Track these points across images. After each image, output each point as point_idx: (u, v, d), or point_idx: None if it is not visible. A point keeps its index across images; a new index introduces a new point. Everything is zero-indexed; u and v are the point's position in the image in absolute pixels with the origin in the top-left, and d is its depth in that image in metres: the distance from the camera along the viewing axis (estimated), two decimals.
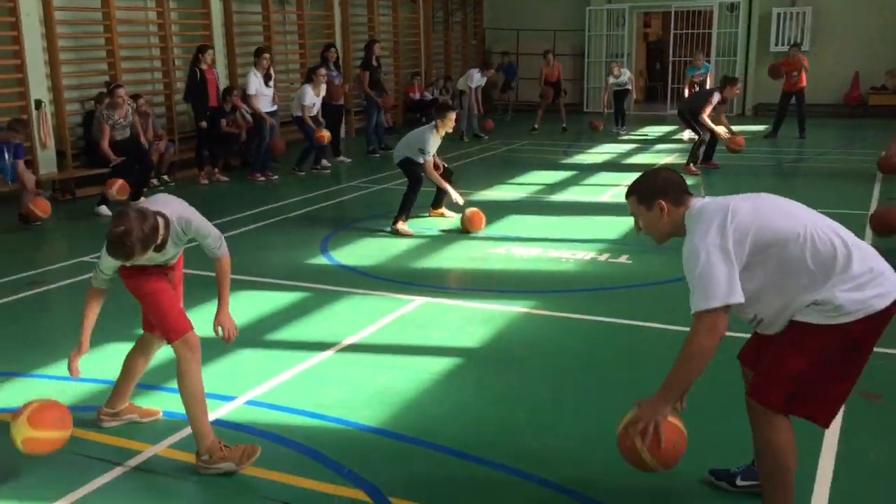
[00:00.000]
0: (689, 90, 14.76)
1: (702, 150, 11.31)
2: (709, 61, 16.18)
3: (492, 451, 3.79)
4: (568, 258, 7.10)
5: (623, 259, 7.03)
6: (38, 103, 9.89)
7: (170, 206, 3.48)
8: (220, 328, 3.84)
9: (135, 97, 10.43)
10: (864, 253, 2.82)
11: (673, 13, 18.88)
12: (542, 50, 18.07)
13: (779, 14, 17.71)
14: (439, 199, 8.67)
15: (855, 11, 17.24)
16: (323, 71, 11.51)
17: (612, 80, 16.02)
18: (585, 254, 7.20)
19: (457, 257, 7.24)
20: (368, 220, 8.64)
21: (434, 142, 8.01)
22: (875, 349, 2.87)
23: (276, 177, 11.39)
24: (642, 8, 19.62)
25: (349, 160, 12.73)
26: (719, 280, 2.71)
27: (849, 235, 2.86)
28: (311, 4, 15.02)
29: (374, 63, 13.19)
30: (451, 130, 8.19)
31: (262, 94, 10.98)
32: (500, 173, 11.63)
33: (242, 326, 5.42)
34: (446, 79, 18.06)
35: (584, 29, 19.45)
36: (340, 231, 8.25)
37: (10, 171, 8.56)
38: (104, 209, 9.07)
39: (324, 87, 11.59)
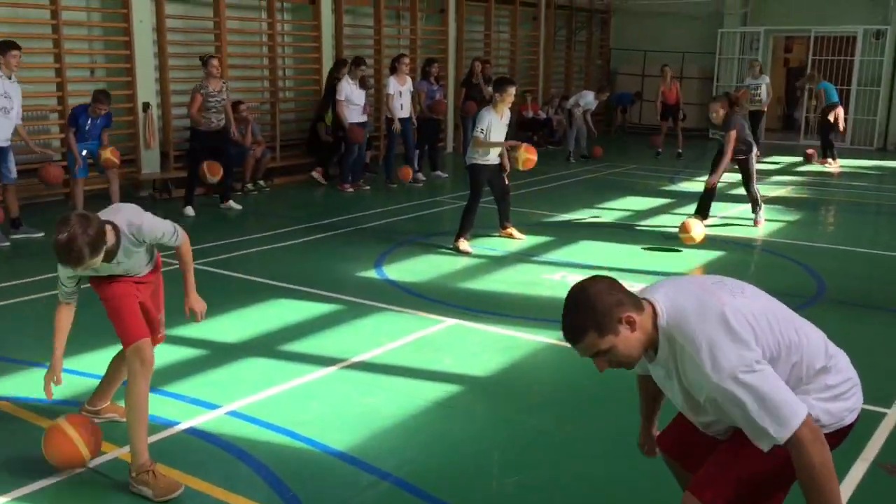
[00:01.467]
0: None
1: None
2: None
3: (448, 490, 3.58)
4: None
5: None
6: (146, 106, 10.43)
7: (120, 214, 3.48)
8: (189, 311, 3.85)
9: (236, 104, 10.82)
10: (841, 361, 2.49)
11: (812, 38, 17.75)
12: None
13: None
14: (505, 215, 8.44)
15: None
16: (406, 60, 11.56)
17: (749, 80, 15.24)
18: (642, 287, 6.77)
19: (507, 280, 7.00)
20: (440, 235, 8.52)
21: (489, 118, 7.80)
22: None
23: (367, 187, 11.50)
24: (780, 32, 18.57)
25: (445, 175, 12.69)
26: (783, 393, 2.25)
27: (828, 340, 2.54)
28: (426, 19, 15.16)
29: (475, 80, 13.10)
30: (509, 106, 7.95)
31: (352, 104, 11.03)
32: (592, 196, 11.25)
33: (261, 334, 5.48)
34: (563, 98, 17.73)
35: (715, 52, 18.63)
36: (406, 245, 8.19)
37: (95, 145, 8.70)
38: (189, 210, 9.42)
39: (409, 79, 11.62)
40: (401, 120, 11.55)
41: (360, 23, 13.85)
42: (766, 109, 15.52)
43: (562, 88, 18.63)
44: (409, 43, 14.66)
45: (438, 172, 12.66)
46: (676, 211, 10.13)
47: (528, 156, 8.33)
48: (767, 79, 15.39)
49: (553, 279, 7.03)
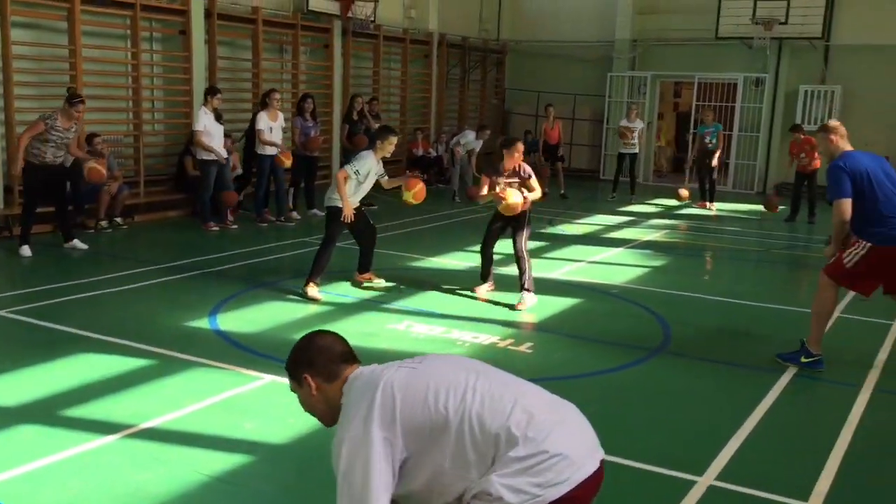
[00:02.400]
0: (699, 146, 14.66)
1: None
2: (720, 123, 15.42)
3: None
4: (467, 341, 6.44)
5: (524, 347, 6.34)
6: None
7: None
8: None
9: (91, 137, 10.24)
10: (545, 434, 2.30)
11: (696, 84, 18.19)
12: (560, 113, 17.68)
13: (806, 92, 16.87)
14: (366, 261, 8.11)
15: (888, 92, 16.30)
16: (277, 95, 11.22)
17: (624, 122, 15.43)
18: (489, 337, 6.53)
19: (346, 330, 6.52)
20: (298, 278, 8.08)
21: (365, 162, 7.51)
22: None
23: (235, 226, 11.03)
24: (665, 77, 18.98)
25: (322, 213, 12.29)
26: (372, 479, 2.27)
27: (538, 412, 2.36)
28: (310, 54, 14.85)
29: (355, 117, 12.82)
30: (388, 155, 7.71)
31: (210, 135, 10.54)
32: (464, 239, 11.01)
33: (46, 396, 4.96)
34: (453, 136, 17.64)
35: (605, 95, 18.90)
36: (255, 290, 7.75)
37: None
38: (25, 250, 8.79)
39: (281, 115, 11.28)
40: (269, 157, 11.15)
41: (238, 55, 13.43)
42: (638, 152, 15.74)
43: (454, 126, 18.55)
44: (292, 78, 14.31)
45: (315, 211, 12.26)
46: (547, 255, 9.99)
47: (410, 194, 7.96)
48: (642, 124, 15.62)
49: (397, 329, 6.72)
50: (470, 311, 7.33)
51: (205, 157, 10.58)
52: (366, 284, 7.99)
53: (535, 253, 9.95)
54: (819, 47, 16.77)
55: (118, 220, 10.64)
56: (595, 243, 11.01)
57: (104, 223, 10.36)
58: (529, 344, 6.42)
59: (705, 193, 14.75)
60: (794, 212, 13.69)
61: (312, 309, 7.21)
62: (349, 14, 14.56)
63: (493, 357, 6.09)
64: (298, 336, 6.18)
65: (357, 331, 6.64)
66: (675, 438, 4.79)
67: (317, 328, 6.66)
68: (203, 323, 6.61)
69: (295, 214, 11.86)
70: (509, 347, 6.33)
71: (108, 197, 10.33)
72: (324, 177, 13.40)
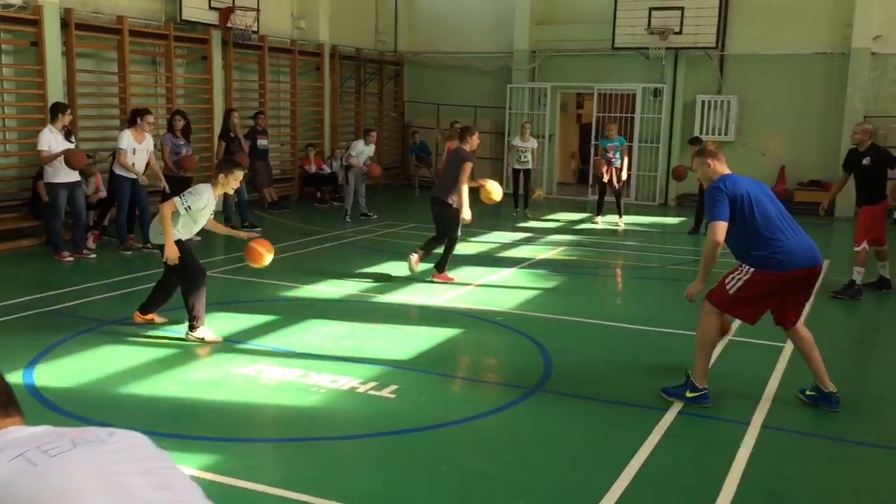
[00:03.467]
0: (602, 162, 14.21)
1: None
2: (624, 136, 15.09)
3: None
4: (323, 386, 5.70)
5: (388, 391, 5.64)
6: None
7: None
8: None
9: None
10: None
11: (596, 95, 17.94)
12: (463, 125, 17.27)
13: (703, 102, 16.78)
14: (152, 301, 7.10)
15: (781, 101, 16.35)
16: (151, 119, 10.29)
17: (517, 142, 14.99)
18: (349, 380, 5.81)
19: (186, 378, 5.83)
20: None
21: (201, 198, 6.56)
22: None
23: (93, 256, 10.04)
24: (565, 88, 18.68)
25: (199, 238, 11.38)
26: None
27: None
28: (186, 66, 13.92)
29: (232, 134, 11.98)
30: (231, 192, 6.91)
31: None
32: (349, 262, 10.35)
33: None
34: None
35: (506, 106, 18.48)
36: (91, 332, 6.84)
37: None
38: None
39: (149, 136, 10.36)
40: (129, 179, 10.20)
41: (104, 68, 12.41)
42: (534, 167, 15.35)
43: (351, 141, 17.80)
44: (166, 92, 13.35)
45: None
46: (431, 278, 9.35)
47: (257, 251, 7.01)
48: (535, 143, 15.22)
49: (245, 374, 5.94)
50: (335, 348, 6.60)
51: (52, 181, 9.58)
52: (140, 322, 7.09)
53: (422, 275, 9.33)
54: (714, 57, 16.72)
55: None
56: (488, 263, 10.44)
57: None
58: (394, 387, 5.73)
59: (601, 208, 14.38)
60: (697, 224, 13.44)
61: (151, 353, 6.36)
62: (228, 24, 13.70)
63: (353, 406, 5.41)
64: (130, 388, 5.35)
65: (199, 377, 5.87)
66: (543, 499, 4.17)
67: (154, 376, 5.90)
68: (16, 377, 5.69)
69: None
70: (371, 392, 5.63)
71: None
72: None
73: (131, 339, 6.70)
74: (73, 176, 9.74)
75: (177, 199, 6.63)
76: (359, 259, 10.73)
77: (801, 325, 5.47)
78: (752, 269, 5.19)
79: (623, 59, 17.39)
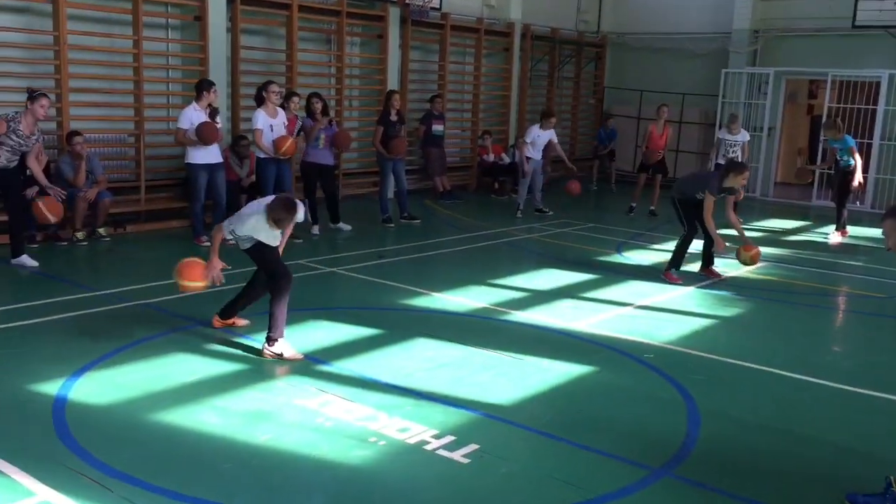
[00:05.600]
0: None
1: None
2: (854, 135, 12.42)
3: None
4: (387, 436, 4.51)
5: (462, 453, 4.34)
6: None
7: None
8: None
9: (70, 135, 8.99)
10: None
11: (829, 82, 15.24)
12: (669, 115, 15.51)
13: None
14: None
15: None
16: (275, 87, 9.57)
17: (724, 134, 12.89)
18: (423, 430, 4.57)
19: (230, 408, 4.85)
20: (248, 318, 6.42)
21: (246, 226, 5.67)
22: None
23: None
24: (792, 75, 16.07)
25: (349, 227, 10.63)
26: None
27: None
28: (361, 46, 13.24)
29: (393, 118, 11.06)
30: (284, 229, 5.80)
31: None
32: (499, 266, 9.09)
33: None
34: None
35: (719, 94, 16.25)
36: (179, 331, 6.13)
37: None
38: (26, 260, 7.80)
39: (280, 111, 9.65)
40: (276, 160, 9.60)
41: (274, 46, 11.96)
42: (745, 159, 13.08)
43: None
44: (336, 72, 12.71)
45: (340, 225, 10.63)
46: (585, 294, 7.87)
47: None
48: (747, 136, 12.97)
49: (307, 406, 4.89)
50: (427, 380, 5.39)
51: (192, 161, 9.15)
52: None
53: (570, 291, 7.91)
54: None
55: (101, 230, 9.36)
56: (659, 278, 8.73)
57: (80, 235, 9.08)
58: (474, 446, 4.42)
59: (841, 218, 11.93)
60: None
61: (212, 369, 5.49)
62: (406, 0, 12.84)
63: (409, 469, 4.19)
64: (157, 416, 4.46)
65: (248, 407, 4.88)
66: None
67: (197, 401, 4.99)
68: (52, 388, 5.00)
69: (315, 230, 10.27)
70: (441, 451, 4.35)
71: (85, 204, 9.04)
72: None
73: (207, 347, 5.89)
74: (214, 157, 9.25)
75: (225, 222, 5.85)
76: (513, 263, 9.44)
77: None
78: None
79: (866, 41, 14.61)
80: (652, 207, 13.11)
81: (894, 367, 6.26)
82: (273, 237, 5.79)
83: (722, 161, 12.36)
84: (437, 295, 7.62)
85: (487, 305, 7.38)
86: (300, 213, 5.70)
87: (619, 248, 10.36)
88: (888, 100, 14.60)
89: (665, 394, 5.38)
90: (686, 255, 8.69)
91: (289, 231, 5.95)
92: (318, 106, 10.11)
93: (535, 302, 7.55)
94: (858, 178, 11.63)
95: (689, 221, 8.59)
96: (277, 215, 5.57)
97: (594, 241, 10.77)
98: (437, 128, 13.52)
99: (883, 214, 3.94)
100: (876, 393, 5.55)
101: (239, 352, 5.82)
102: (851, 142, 11.73)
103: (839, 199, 11.82)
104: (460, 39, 14.73)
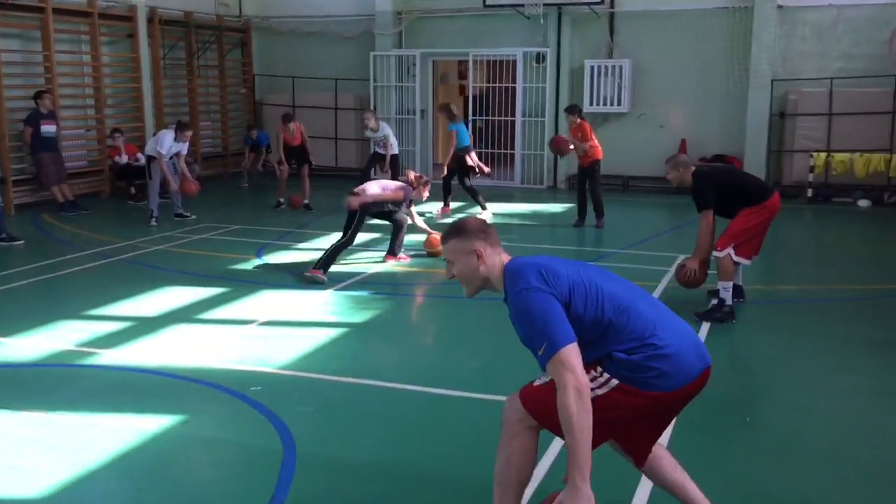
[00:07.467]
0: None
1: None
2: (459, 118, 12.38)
3: None
4: None
5: None
6: None
7: None
8: None
9: None
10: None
11: (471, 62, 15.46)
12: (321, 102, 15.61)
13: (593, 67, 14.46)
14: None
15: (679, 66, 14.17)
16: None
17: (369, 133, 12.48)
18: None
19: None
20: None
21: None
22: None
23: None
24: (438, 56, 16.12)
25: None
26: None
27: None
28: None
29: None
30: None
31: None
32: (104, 293, 7.57)
33: None
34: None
35: (370, 78, 15.83)
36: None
37: None
38: None
39: None
40: None
41: None
42: (397, 153, 12.78)
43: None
44: None
45: None
46: (197, 316, 6.74)
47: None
48: (388, 128, 12.63)
49: None
50: None
51: None
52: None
53: (184, 314, 6.74)
54: (602, 15, 14.40)
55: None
56: (299, 283, 7.85)
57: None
58: None
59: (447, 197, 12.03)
60: (580, 215, 11.15)
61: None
62: None
63: None
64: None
65: None
66: None
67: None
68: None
69: None
70: None
71: None
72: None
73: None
74: None
75: None
76: (123, 285, 7.89)
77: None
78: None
79: (500, 20, 14.95)
80: (305, 201, 12.29)
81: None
82: None
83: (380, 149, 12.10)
84: (6, 339, 6.06)
85: (71, 348, 5.98)
86: None
87: (260, 252, 9.36)
88: (525, 77, 15.08)
89: (261, 440, 4.44)
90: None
91: None
92: None
93: (135, 335, 6.27)
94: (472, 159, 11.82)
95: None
96: None
97: (235, 247, 9.66)
98: (48, 129, 11.61)
99: (443, 235, 3.25)
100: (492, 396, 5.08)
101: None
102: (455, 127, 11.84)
103: (465, 179, 11.86)
104: (71, 25, 12.76)
